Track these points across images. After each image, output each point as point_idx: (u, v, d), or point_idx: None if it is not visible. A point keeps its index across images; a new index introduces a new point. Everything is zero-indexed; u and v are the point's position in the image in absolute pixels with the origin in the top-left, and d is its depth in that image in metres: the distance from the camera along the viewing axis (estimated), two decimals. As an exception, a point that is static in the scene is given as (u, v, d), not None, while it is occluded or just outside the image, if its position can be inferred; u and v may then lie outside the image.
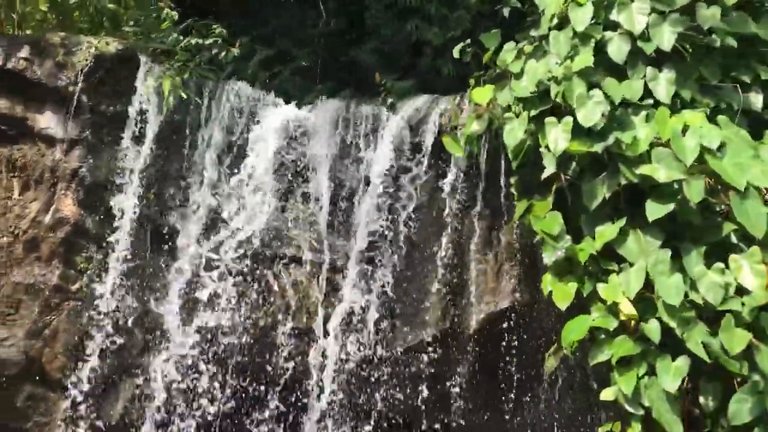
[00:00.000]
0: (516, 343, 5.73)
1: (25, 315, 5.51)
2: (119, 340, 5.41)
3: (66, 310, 5.51)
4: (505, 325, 5.71)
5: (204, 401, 5.22)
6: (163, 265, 5.56)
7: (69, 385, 5.34)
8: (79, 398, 5.33)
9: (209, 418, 5.24)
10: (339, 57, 7.95)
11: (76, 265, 5.55)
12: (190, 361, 5.27)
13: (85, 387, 5.32)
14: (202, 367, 5.23)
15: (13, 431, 5.42)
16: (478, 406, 5.67)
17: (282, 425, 5.37)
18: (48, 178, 5.68)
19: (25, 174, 5.74)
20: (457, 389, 5.61)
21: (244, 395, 5.39)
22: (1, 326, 5.50)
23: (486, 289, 5.84)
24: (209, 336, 5.30)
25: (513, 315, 5.72)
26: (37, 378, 5.46)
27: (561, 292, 4.72)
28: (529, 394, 5.54)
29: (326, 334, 5.40)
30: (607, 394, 4.50)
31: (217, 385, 5.24)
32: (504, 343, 5.72)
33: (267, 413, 5.32)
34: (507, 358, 5.66)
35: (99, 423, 5.38)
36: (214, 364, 5.26)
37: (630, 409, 4.41)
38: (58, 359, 5.45)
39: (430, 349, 5.71)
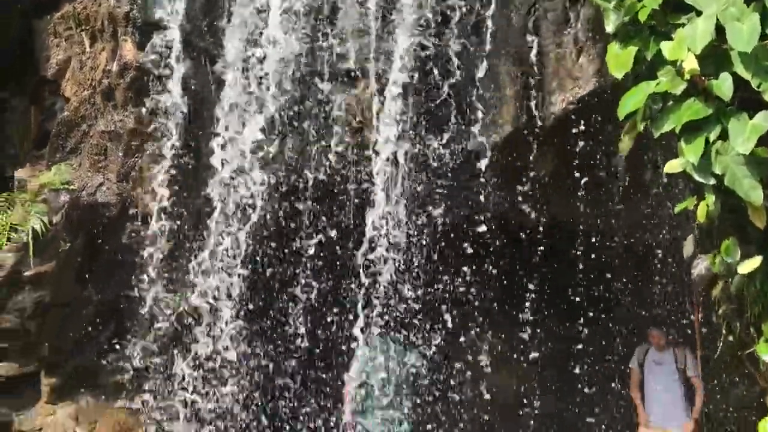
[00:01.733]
0: (600, 129, 5.19)
1: (112, 160, 5.86)
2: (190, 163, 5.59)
3: (145, 151, 5.75)
4: (587, 112, 5.16)
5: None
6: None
7: (158, 218, 5.65)
8: (168, 227, 5.64)
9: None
10: None
11: (147, 107, 5.72)
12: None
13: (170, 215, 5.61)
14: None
15: (125, 263, 5.90)
16: (556, 200, 5.29)
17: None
18: (108, 26, 5.81)
19: (89, 26, 5.93)
20: (534, 185, 5.23)
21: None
22: (96, 173, 5.91)
23: (565, 76, 5.25)
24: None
25: (596, 100, 5.14)
26: (134, 216, 5.85)
27: (616, 60, 4.13)
28: (611, 184, 5.05)
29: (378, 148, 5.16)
30: (672, 166, 3.96)
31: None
32: (587, 132, 5.20)
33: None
34: (588, 148, 5.16)
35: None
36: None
37: (700, 179, 3.86)
38: (147, 196, 5.78)
39: (505, 149, 5.32)
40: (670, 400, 6.21)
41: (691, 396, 6.22)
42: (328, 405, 6.40)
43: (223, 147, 5.27)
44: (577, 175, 5.17)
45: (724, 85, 3.74)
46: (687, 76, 3.86)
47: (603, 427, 7.16)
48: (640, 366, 6.36)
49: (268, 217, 5.45)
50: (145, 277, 5.61)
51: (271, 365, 6.18)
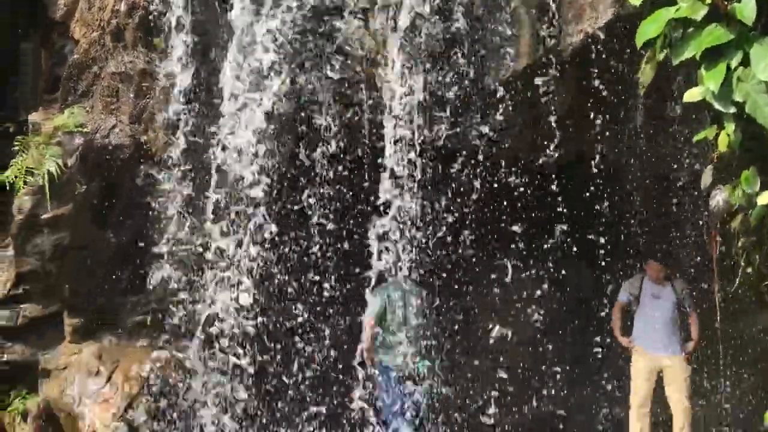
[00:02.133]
0: (618, 61, 5.05)
1: (124, 102, 5.82)
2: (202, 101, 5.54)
3: (156, 92, 5.71)
4: (605, 43, 5.01)
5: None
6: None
7: (170, 163, 5.63)
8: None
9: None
10: None
11: (157, 48, 5.64)
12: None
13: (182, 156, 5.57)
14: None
15: (141, 205, 5.91)
16: (573, 134, 5.19)
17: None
18: (114, -38, 5.70)
19: (97, -38, 5.82)
20: (550, 119, 5.12)
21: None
22: (109, 115, 5.89)
23: (583, 5, 5.09)
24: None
25: (616, 30, 4.99)
26: (147, 159, 5.84)
27: (636, -17, 3.97)
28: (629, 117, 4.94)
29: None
30: (691, 95, 3.85)
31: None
32: (604, 64, 5.06)
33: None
34: (606, 79, 5.02)
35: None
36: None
37: (720, 108, 3.75)
38: (159, 139, 5.76)
39: (521, 81, 5.20)
40: (670, 330, 6.29)
41: (687, 326, 6.33)
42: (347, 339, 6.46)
43: (236, 79, 5.15)
44: (594, 108, 5.06)
45: (747, 9, 3.61)
46: (708, 0, 3.72)
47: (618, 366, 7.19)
48: (636, 298, 6.38)
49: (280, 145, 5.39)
50: (161, 216, 5.64)
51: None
